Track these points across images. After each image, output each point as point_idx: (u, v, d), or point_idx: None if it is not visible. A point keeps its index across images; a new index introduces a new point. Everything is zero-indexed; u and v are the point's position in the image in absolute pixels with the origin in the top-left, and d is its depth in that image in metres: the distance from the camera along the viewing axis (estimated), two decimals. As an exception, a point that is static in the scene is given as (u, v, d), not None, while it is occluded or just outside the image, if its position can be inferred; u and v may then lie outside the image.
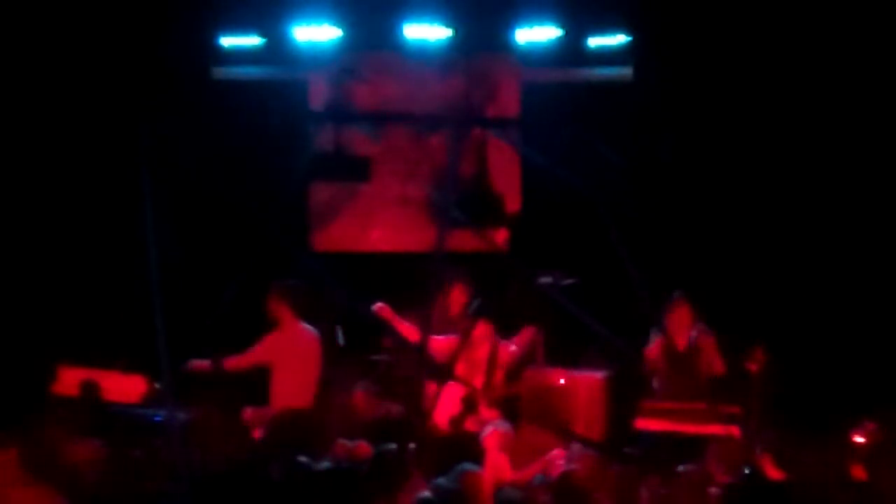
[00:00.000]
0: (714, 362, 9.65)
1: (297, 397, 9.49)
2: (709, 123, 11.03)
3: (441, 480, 7.10)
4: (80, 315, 10.74)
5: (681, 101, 11.00)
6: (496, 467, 8.94)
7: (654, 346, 9.77)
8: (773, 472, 8.32)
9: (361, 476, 6.81)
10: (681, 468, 7.97)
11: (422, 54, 11.56)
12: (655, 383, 9.82)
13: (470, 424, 9.52)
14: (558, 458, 8.68)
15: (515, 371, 9.86)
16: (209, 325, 9.64)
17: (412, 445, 7.84)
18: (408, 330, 9.55)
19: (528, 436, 9.63)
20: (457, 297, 9.95)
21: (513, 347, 9.85)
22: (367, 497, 6.67)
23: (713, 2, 11.02)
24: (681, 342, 9.73)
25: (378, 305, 9.67)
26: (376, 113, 11.77)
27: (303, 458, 7.39)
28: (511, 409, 9.74)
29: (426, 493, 6.79)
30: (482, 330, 9.62)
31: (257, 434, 9.31)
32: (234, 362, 9.50)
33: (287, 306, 9.62)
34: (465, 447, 9.19)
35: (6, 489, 6.60)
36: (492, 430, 9.23)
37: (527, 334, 9.99)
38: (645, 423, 9.14)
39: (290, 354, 9.53)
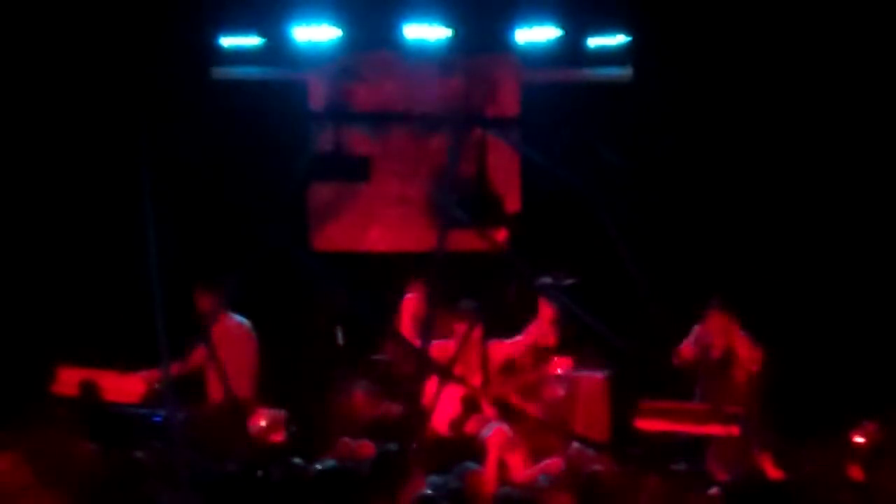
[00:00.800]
0: (750, 365, 9.54)
1: (235, 388, 9.49)
2: (709, 123, 11.02)
3: (437, 479, 7.11)
4: (80, 315, 10.74)
5: (681, 101, 10.99)
6: (501, 467, 8.95)
7: (686, 347, 9.70)
8: (773, 472, 8.34)
9: (363, 476, 6.80)
10: (679, 467, 7.98)
11: (422, 54, 11.55)
12: (697, 389, 9.73)
13: (472, 424, 9.52)
14: (559, 460, 8.69)
15: (515, 368, 9.86)
16: (209, 324, 9.66)
17: (413, 445, 7.84)
18: (411, 332, 9.57)
19: (529, 435, 9.65)
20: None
21: (508, 342, 9.84)
22: (369, 497, 6.67)
23: (713, 2, 11.01)
24: (717, 348, 9.66)
25: (408, 296, 9.74)
26: (376, 113, 11.76)
27: (297, 460, 7.41)
28: (511, 408, 9.75)
29: (427, 491, 6.80)
30: (475, 329, 9.62)
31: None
32: (183, 367, 9.48)
33: (217, 300, 9.62)
34: (466, 447, 9.20)
35: (9, 492, 6.60)
36: (496, 429, 9.24)
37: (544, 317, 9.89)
38: (645, 423, 9.14)
39: (225, 347, 9.51)
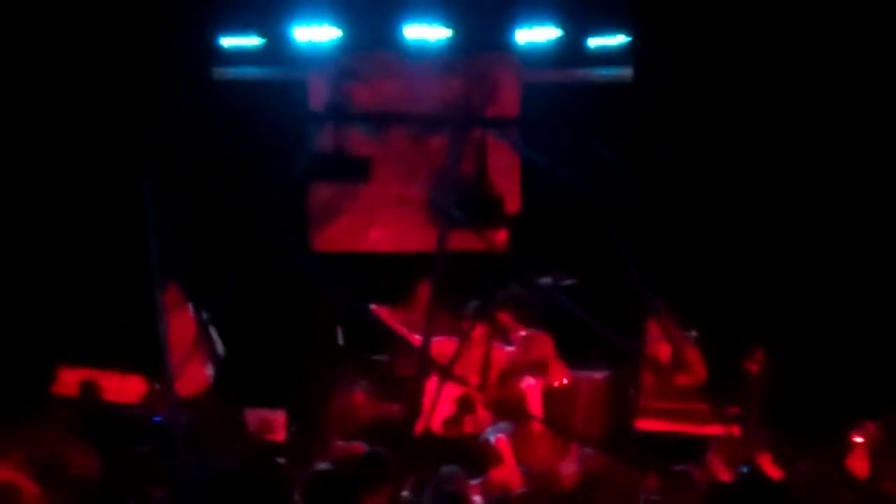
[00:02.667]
0: (696, 370, 9.57)
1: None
2: (709, 123, 11.02)
3: (433, 481, 7.11)
4: (80, 315, 10.74)
5: (681, 101, 11.00)
6: (508, 473, 8.93)
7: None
8: (773, 472, 8.32)
9: (347, 477, 6.77)
10: (679, 468, 7.97)
11: (422, 54, 11.56)
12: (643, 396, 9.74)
13: (467, 426, 9.52)
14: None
15: (511, 373, 9.86)
16: (208, 324, 9.68)
17: (408, 446, 7.84)
18: (404, 332, 9.57)
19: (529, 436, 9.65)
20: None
21: (510, 349, 9.84)
22: (353, 498, 6.65)
23: (713, 2, 11.02)
24: (664, 353, 9.67)
25: (374, 306, 9.73)
26: (376, 113, 11.76)
27: (280, 459, 7.42)
28: (509, 411, 9.74)
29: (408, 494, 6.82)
30: (479, 331, 9.62)
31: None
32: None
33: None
34: (461, 448, 9.20)
35: (8, 492, 6.60)
36: (500, 435, 9.20)
37: (540, 345, 9.88)
38: (645, 423, 9.14)
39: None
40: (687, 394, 9.47)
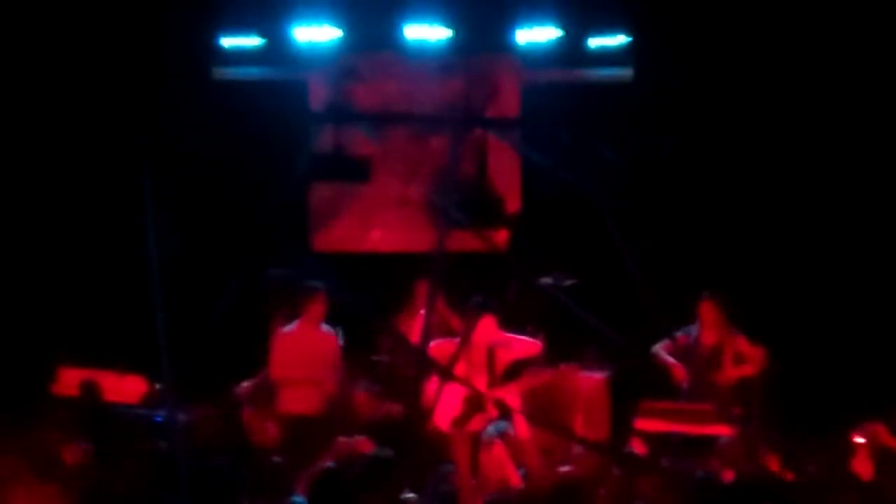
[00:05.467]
0: (742, 364, 9.47)
1: None
2: (709, 123, 11.03)
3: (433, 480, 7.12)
4: (80, 315, 10.74)
5: (681, 101, 11.00)
6: (506, 472, 8.93)
7: (667, 344, 9.65)
8: (775, 472, 8.33)
9: (352, 478, 6.78)
10: (673, 468, 7.98)
11: (422, 55, 11.56)
12: (684, 388, 9.66)
13: (474, 423, 9.50)
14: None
15: (513, 371, 9.85)
16: (209, 325, 9.65)
17: (410, 446, 7.85)
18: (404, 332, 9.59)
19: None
20: None
21: (513, 347, 9.83)
22: (358, 498, 6.65)
23: (713, 2, 11.02)
24: (706, 341, 9.61)
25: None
26: (376, 113, 11.76)
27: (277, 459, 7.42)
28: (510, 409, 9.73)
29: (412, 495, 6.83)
30: (483, 326, 9.59)
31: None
32: None
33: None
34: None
35: (8, 490, 6.60)
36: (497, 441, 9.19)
37: (534, 346, 9.86)
38: (645, 423, 9.12)
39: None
40: (720, 389, 9.37)
